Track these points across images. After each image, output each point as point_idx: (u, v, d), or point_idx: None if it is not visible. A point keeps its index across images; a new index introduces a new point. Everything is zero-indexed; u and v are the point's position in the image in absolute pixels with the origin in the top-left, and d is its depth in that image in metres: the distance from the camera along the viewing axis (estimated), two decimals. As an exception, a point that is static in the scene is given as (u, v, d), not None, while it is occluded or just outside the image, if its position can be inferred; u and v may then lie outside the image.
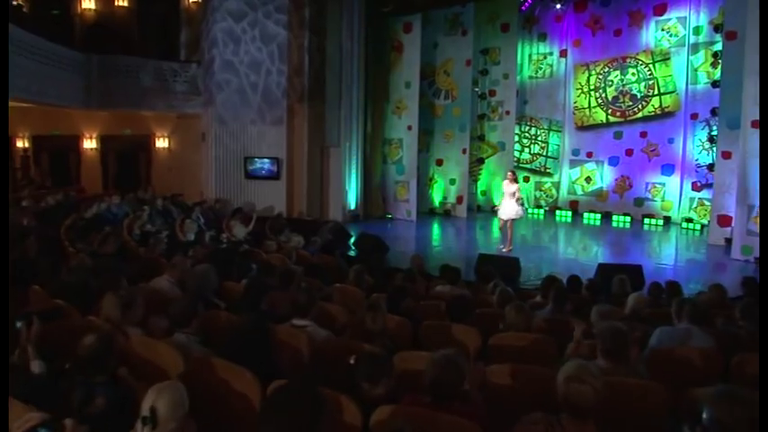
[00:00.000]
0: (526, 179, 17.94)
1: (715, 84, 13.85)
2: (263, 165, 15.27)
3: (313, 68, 15.03)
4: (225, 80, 15.15)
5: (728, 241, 12.17)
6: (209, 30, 15.17)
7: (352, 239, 11.95)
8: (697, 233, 14.52)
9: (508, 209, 11.63)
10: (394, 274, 7.16)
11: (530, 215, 16.93)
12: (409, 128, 15.97)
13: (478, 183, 17.96)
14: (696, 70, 15.08)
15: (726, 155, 12.38)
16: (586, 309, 5.55)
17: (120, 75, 14.86)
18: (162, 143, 16.99)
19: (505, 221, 11.73)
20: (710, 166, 14.12)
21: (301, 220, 14.87)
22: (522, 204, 11.91)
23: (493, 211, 16.78)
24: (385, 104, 16.29)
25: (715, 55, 14.04)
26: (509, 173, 12.10)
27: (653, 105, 15.90)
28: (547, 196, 17.84)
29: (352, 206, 15.88)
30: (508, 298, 5.05)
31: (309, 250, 9.21)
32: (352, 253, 11.25)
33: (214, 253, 6.80)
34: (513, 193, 11.60)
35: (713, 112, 13.83)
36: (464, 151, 16.59)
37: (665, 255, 13.03)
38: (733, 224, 11.99)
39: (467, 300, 4.46)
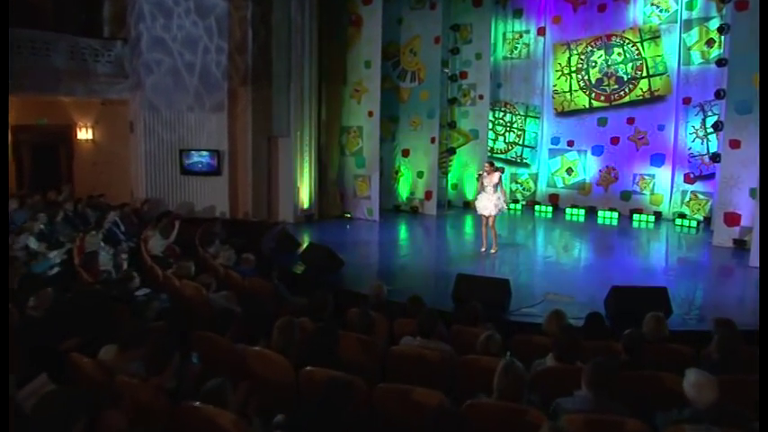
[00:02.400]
0: (500, 170, 16.19)
1: (720, 62, 12.24)
2: (202, 158, 13.47)
3: (257, 45, 13.04)
4: (155, 60, 13.19)
5: (738, 243, 10.67)
6: (135, 1, 13.01)
7: (301, 250, 9.88)
8: (692, 231, 13.12)
9: (489, 204, 10.00)
10: (346, 311, 5.27)
11: (505, 211, 15.18)
12: (370, 114, 13.96)
13: (449, 176, 16.16)
14: (689, 49, 13.57)
15: (734, 144, 10.82)
16: (630, 379, 3.73)
17: (26, 52, 12.44)
18: (85, 134, 14.71)
19: (487, 218, 10.06)
20: (713, 156, 12.55)
21: (246, 222, 13.04)
22: (501, 198, 10.17)
23: (465, 205, 15.18)
24: (342, 87, 14.24)
25: (721, 29, 12.43)
26: (486, 164, 10.32)
27: (641, 89, 14.38)
28: (524, 189, 16.24)
29: (306, 205, 13.87)
30: (519, 380, 3.18)
31: (240, 271, 7.22)
32: (300, 268, 9.19)
33: (72, 299, 4.71)
34: (496, 185, 10.08)
35: (718, 94, 12.25)
36: (433, 140, 14.75)
37: (665, 258, 11.46)
38: (744, 223, 10.48)
39: (460, 419, 2.57)
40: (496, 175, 10.00)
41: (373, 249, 11.62)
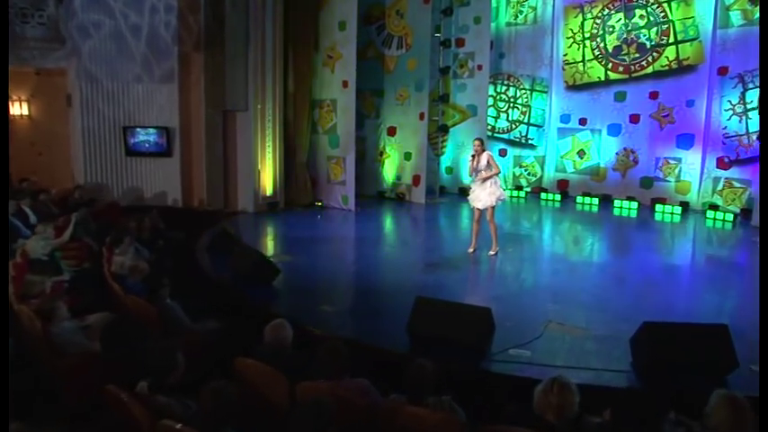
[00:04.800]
0: (503, 152, 14.31)
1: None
2: (149, 137, 11.69)
3: (210, 1, 11.03)
4: (93, 22, 11.40)
5: (791, 244, 8.62)
6: (68, -50, 11.11)
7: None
8: (728, 225, 11.18)
9: (482, 194, 8.07)
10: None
11: (507, 199, 13.19)
12: (345, 85, 11.86)
13: (442, 157, 14.20)
14: (728, 9, 11.62)
15: (789, 120, 8.74)
16: None
17: (-68, 10, 10.55)
18: (19, 109, 12.75)
19: (481, 212, 8.14)
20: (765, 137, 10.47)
21: (196, 211, 11.34)
22: (497, 183, 8.11)
23: (462, 192, 13.18)
24: (312, 53, 12.13)
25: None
26: (475, 141, 8.17)
27: (667, 57, 12.51)
28: (529, 174, 14.49)
29: (269, 191, 11.90)
30: None
31: (126, 285, 5.25)
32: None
33: None
34: (488, 168, 8.03)
35: (767, 59, 10.14)
36: (422, 116, 12.76)
37: (699, 263, 9.42)
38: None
39: None
40: (484, 157, 7.90)
41: (338, 248, 9.50)
